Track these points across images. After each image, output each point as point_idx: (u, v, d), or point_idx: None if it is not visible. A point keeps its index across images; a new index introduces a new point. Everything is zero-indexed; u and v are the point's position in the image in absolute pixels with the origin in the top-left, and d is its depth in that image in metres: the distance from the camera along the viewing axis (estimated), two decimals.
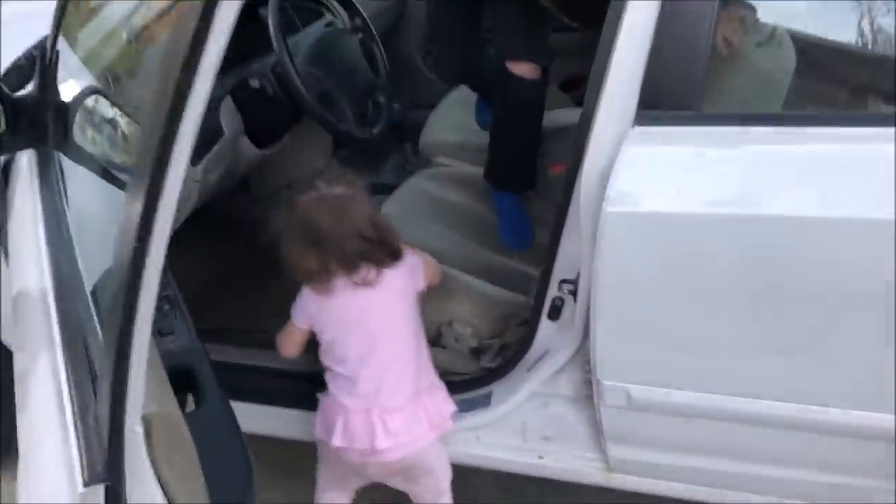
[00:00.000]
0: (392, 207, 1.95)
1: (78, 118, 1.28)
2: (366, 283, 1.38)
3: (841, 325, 1.19)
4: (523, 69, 1.85)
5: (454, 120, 2.32)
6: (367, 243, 1.35)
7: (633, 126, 1.23)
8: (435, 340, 1.69)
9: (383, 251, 1.38)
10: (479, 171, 2.09)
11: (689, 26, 1.20)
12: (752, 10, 1.38)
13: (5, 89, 1.33)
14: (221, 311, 1.81)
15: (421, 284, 1.50)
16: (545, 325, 1.50)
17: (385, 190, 2.06)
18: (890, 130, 1.12)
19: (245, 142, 1.82)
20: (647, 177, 1.21)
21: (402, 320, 1.46)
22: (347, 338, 1.43)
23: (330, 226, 1.33)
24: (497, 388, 1.59)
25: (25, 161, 1.43)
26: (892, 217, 1.08)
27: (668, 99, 1.23)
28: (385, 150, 2.34)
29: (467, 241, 1.94)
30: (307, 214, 1.34)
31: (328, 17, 1.96)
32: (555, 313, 1.48)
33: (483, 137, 2.11)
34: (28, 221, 1.27)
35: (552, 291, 1.46)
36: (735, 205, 1.17)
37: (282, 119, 1.82)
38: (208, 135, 1.63)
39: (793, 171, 1.18)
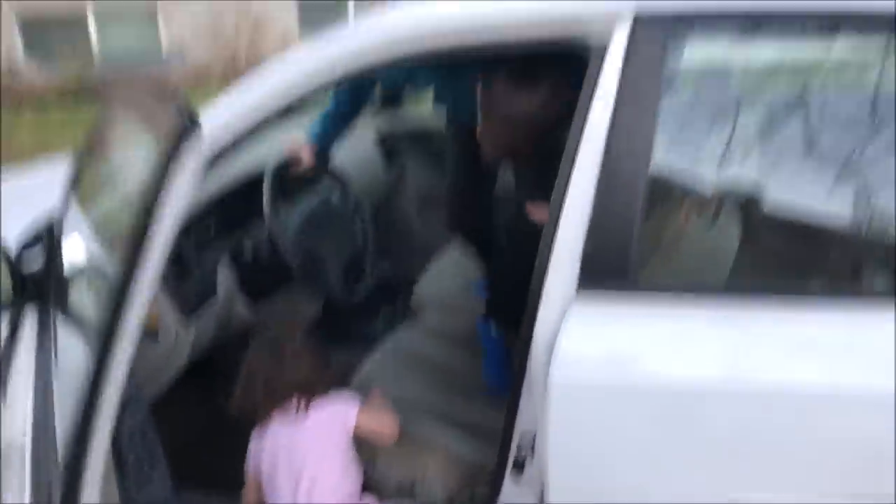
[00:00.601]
0: (377, 358, 2.06)
1: (78, 281, 1.46)
2: (295, 421, 1.51)
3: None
4: (542, 215, 2.02)
5: (444, 279, 2.49)
6: (298, 388, 1.49)
7: (575, 298, 1.36)
8: (409, 492, 1.76)
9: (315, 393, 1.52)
10: (462, 327, 2.21)
11: (623, 206, 1.35)
12: (699, 193, 1.54)
13: (18, 268, 1.51)
14: (211, 463, 1.89)
15: (349, 426, 1.58)
16: (509, 480, 1.57)
17: (374, 341, 2.18)
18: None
19: (240, 299, 1.97)
20: (585, 347, 1.33)
21: (327, 458, 1.55)
22: (277, 474, 1.53)
23: (268, 372, 1.48)
24: None
25: (28, 322, 1.60)
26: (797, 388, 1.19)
27: (605, 273, 1.36)
28: (377, 304, 2.49)
29: (445, 394, 2.03)
30: (252, 362, 1.50)
31: (324, 191, 2.15)
32: (518, 468, 1.56)
33: (468, 299, 2.27)
34: (22, 377, 1.41)
35: (514, 446, 1.54)
36: (655, 376, 1.29)
37: (274, 279, 1.97)
38: (203, 293, 1.78)
39: (714, 346, 1.29)
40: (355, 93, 2.22)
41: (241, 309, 1.95)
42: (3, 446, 1.24)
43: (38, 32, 9.12)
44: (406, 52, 1.48)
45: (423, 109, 3.15)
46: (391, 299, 2.49)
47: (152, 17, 9.79)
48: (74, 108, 7.94)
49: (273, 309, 2.07)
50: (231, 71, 9.09)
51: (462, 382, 2.06)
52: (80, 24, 9.34)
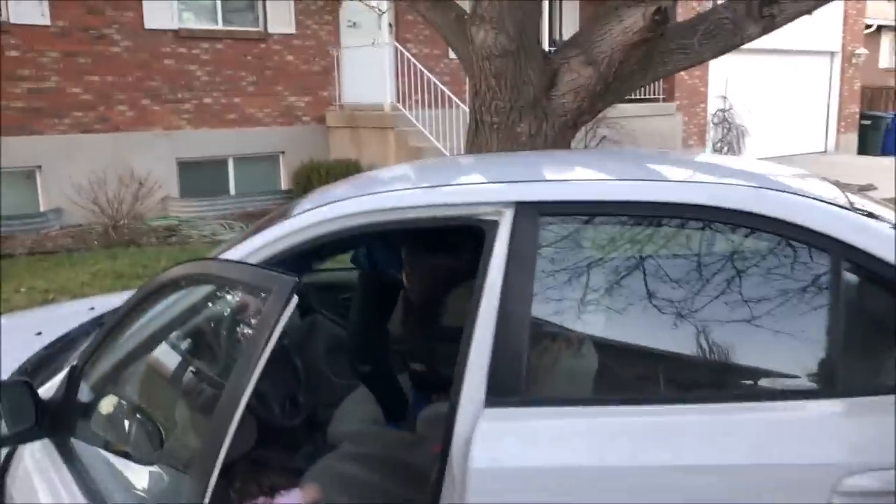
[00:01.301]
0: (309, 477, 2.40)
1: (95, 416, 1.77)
2: None
3: None
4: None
5: (355, 414, 2.88)
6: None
7: (484, 409, 1.81)
8: None
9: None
10: (376, 451, 2.60)
11: (515, 343, 1.84)
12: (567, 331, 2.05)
13: (38, 394, 1.81)
14: None
15: None
16: None
17: (299, 473, 2.51)
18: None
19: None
20: (499, 442, 1.77)
21: None
22: None
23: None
24: None
25: (29, 452, 1.87)
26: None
27: (505, 389, 1.82)
28: (299, 441, 2.81)
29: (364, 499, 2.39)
30: None
31: None
32: None
33: (377, 429, 2.68)
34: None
35: None
36: (549, 461, 1.74)
37: None
38: None
39: (586, 439, 1.77)
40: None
41: None
42: None
43: None
44: (361, 227, 1.98)
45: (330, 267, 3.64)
46: (311, 434, 2.83)
47: (30, 178, 9.92)
48: None
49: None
50: (112, 232, 9.28)
51: (381, 493, 2.42)
52: None
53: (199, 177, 11.14)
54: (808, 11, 4.19)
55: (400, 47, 11.20)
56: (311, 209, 2.05)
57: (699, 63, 4.23)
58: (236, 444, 2.45)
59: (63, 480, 1.76)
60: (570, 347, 2.01)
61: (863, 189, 12.23)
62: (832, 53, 18.07)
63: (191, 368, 1.85)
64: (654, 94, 14.44)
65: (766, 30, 4.11)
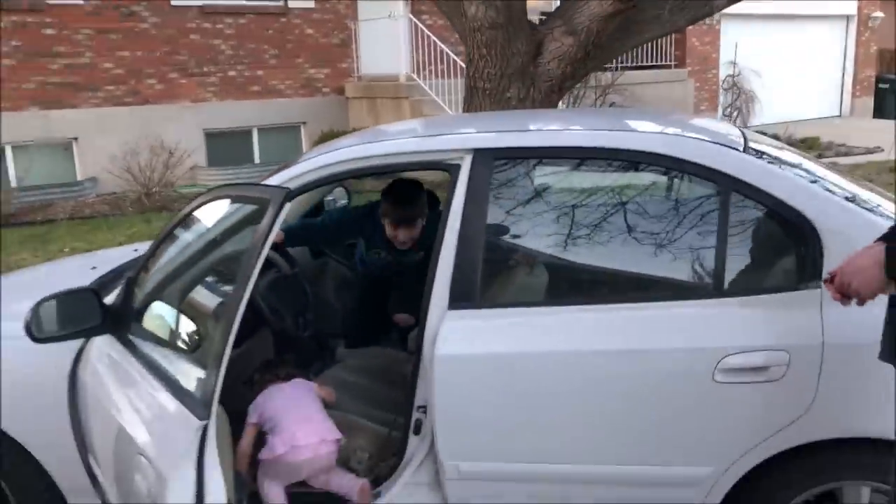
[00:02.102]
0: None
1: (146, 318, 2.33)
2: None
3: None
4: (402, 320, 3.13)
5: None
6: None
7: (447, 312, 2.31)
8: (346, 462, 2.60)
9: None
10: (375, 364, 3.13)
11: (471, 260, 2.33)
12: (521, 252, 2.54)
13: (102, 300, 2.35)
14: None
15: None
16: (412, 439, 2.45)
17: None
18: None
19: None
20: (457, 336, 2.27)
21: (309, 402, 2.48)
22: (280, 416, 2.43)
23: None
24: (385, 485, 2.50)
25: (98, 345, 2.42)
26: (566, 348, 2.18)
27: (463, 296, 2.32)
28: (310, 356, 3.34)
29: (366, 400, 2.91)
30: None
31: (281, 267, 3.10)
32: (417, 429, 2.44)
33: (377, 348, 3.24)
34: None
35: (415, 414, 2.43)
36: (496, 346, 2.25)
37: (244, 331, 2.84)
38: None
39: (532, 331, 2.27)
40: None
41: None
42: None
43: None
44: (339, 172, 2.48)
45: None
46: (321, 352, 3.37)
47: (68, 149, 10.55)
48: None
49: (240, 357, 2.92)
50: (145, 200, 9.88)
51: (374, 393, 2.95)
52: None
53: (226, 146, 11.70)
54: None
55: (415, 19, 11.60)
56: (324, 153, 2.55)
57: (673, 31, 4.65)
58: (257, 352, 3.00)
59: (126, 361, 2.30)
60: (515, 264, 2.51)
61: (869, 151, 12.52)
62: (848, 17, 18.15)
63: (213, 274, 2.37)
64: (666, 61, 14.74)
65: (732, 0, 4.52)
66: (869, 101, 18.76)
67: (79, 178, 10.54)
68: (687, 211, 2.33)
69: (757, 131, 11.14)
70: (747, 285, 2.28)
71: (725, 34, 15.28)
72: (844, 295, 1.81)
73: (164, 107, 11.07)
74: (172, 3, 10.94)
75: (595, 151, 2.39)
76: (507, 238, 2.47)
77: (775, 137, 12.95)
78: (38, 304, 2.27)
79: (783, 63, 15.91)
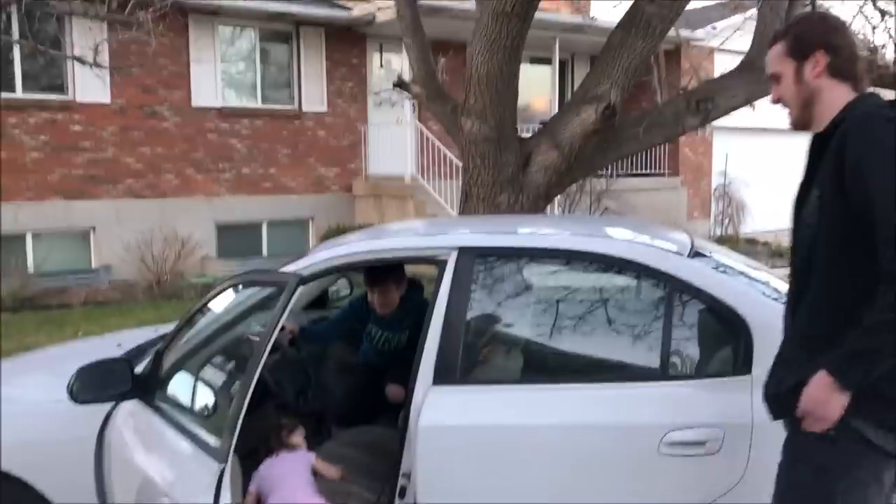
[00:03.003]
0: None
1: (169, 386, 2.69)
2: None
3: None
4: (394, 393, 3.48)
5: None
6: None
7: (431, 386, 2.67)
8: None
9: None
10: (369, 440, 3.45)
11: (454, 342, 2.70)
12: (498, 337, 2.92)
13: (133, 367, 2.72)
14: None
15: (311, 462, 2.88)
16: (397, 503, 2.76)
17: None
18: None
19: None
20: (438, 409, 2.62)
21: (302, 477, 2.80)
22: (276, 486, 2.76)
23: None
24: None
25: (125, 410, 2.77)
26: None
27: (446, 374, 2.68)
28: (309, 431, 3.66)
29: (357, 470, 3.21)
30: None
31: (285, 349, 3.48)
32: (402, 494, 2.75)
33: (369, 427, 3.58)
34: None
35: (400, 480, 2.75)
36: (472, 418, 2.59)
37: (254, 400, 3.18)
38: None
39: (507, 406, 2.62)
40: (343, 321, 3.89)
41: None
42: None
43: None
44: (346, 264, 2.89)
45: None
46: (319, 426, 3.69)
47: (85, 238, 11.05)
48: (14, 315, 8.90)
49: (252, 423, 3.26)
50: (156, 288, 10.30)
51: (367, 464, 3.26)
52: (18, 241, 10.47)
53: (236, 239, 12.22)
54: (740, 106, 5.12)
55: (421, 125, 12.31)
56: (334, 247, 2.97)
57: (649, 148, 5.14)
58: (262, 421, 3.34)
59: (149, 423, 2.65)
60: (493, 346, 2.88)
61: None
62: None
63: (234, 349, 2.75)
64: (660, 170, 15.41)
65: (704, 121, 5.04)
66: None
67: (94, 265, 11.01)
68: (640, 306, 2.72)
69: (747, 239, 11.55)
70: (689, 371, 2.64)
71: (717, 145, 16.01)
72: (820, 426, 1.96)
73: (180, 200, 11.64)
74: (193, 104, 11.67)
75: (562, 253, 2.81)
76: (486, 324, 2.85)
77: (765, 245, 13.55)
78: (81, 370, 2.64)
79: (773, 174, 16.58)
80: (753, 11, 5.42)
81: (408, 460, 2.72)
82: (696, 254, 2.83)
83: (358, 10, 12.31)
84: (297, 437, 3.07)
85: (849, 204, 1.89)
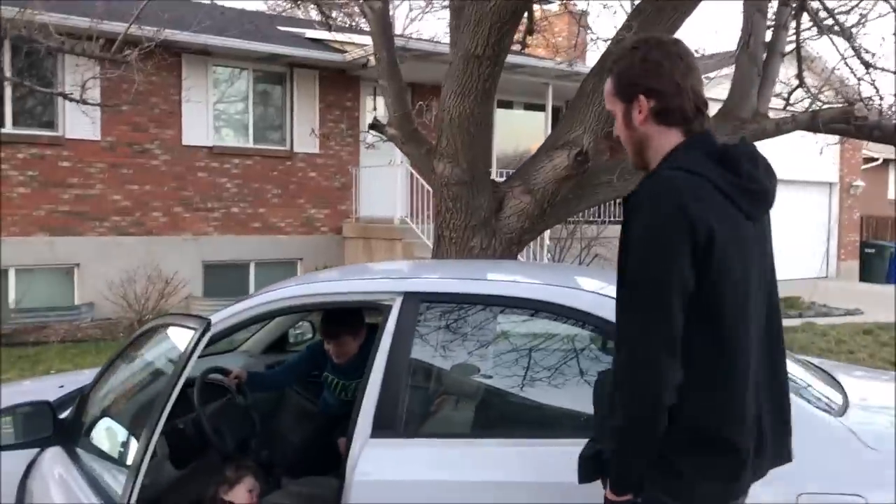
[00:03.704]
0: None
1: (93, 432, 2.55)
2: None
3: None
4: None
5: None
6: None
7: (369, 439, 2.53)
8: None
9: None
10: (313, 492, 3.30)
11: (394, 392, 2.58)
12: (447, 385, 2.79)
13: (56, 415, 2.59)
14: None
15: None
16: None
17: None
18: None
19: (167, 465, 3.01)
20: (375, 465, 2.48)
21: None
22: None
23: None
24: None
25: (47, 457, 2.63)
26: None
27: (385, 425, 2.55)
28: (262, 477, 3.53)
29: None
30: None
31: (231, 396, 3.34)
32: None
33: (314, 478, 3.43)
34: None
35: None
36: (406, 475, 2.45)
37: (194, 450, 3.04)
38: None
39: (433, 463, 2.48)
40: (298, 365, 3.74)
41: (169, 470, 2.99)
42: None
43: None
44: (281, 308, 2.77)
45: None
46: (266, 475, 3.54)
47: (69, 274, 10.95)
48: None
49: (191, 474, 3.11)
50: (137, 325, 10.16)
51: None
52: (0, 276, 10.38)
53: (222, 278, 12.11)
54: None
55: (411, 168, 12.27)
56: (269, 291, 2.85)
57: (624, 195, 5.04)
58: (202, 472, 3.20)
59: (70, 476, 2.51)
60: (437, 397, 2.75)
61: (849, 312, 12.82)
62: (830, 184, 18.97)
63: (147, 395, 2.62)
64: None
65: None
66: (853, 265, 19.27)
67: (76, 302, 10.88)
68: (586, 353, 2.60)
69: None
70: None
71: None
72: None
73: (167, 238, 11.56)
74: (184, 142, 11.66)
75: (510, 300, 2.69)
76: (430, 374, 2.72)
77: None
78: None
79: (773, 225, 16.51)
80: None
81: None
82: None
83: (352, 54, 12.37)
84: (240, 493, 2.92)
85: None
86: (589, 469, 1.94)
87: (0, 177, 10.30)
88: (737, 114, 5.01)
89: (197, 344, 2.28)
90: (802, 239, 18.08)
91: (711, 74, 9.83)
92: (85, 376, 3.69)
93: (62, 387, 3.35)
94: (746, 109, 5.03)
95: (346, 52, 12.50)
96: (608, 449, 1.85)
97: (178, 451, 3.02)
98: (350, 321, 3.49)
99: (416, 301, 2.69)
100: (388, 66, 5.43)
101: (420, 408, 2.71)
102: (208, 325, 2.33)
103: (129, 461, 2.42)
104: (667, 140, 1.88)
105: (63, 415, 2.77)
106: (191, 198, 11.81)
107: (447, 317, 2.75)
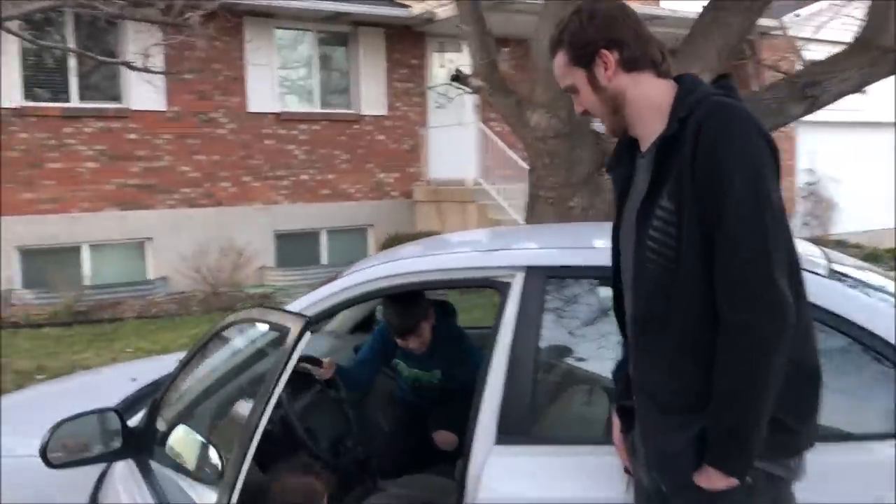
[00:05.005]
0: None
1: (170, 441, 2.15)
2: None
3: None
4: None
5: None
6: None
7: (493, 446, 2.08)
8: None
9: None
10: (421, 495, 2.88)
11: (523, 387, 2.11)
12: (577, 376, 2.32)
13: (126, 422, 2.20)
14: None
15: None
16: None
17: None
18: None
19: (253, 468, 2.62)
20: (503, 480, 2.03)
21: None
22: None
23: None
24: None
25: (119, 469, 2.25)
26: None
27: (512, 429, 2.09)
28: (352, 481, 3.12)
29: None
30: None
31: (322, 388, 2.94)
32: None
33: (423, 476, 2.99)
34: None
35: None
36: (549, 491, 1.99)
37: (281, 452, 2.65)
38: None
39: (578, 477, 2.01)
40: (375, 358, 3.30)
41: (254, 474, 2.60)
42: None
43: (34, 261, 10.02)
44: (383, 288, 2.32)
45: None
46: (363, 476, 3.14)
47: (140, 248, 10.82)
48: (67, 329, 8.66)
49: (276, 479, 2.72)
50: (212, 299, 9.97)
51: None
52: (73, 252, 10.29)
53: (294, 247, 11.84)
54: (852, 91, 4.38)
55: (484, 126, 11.73)
56: (374, 265, 2.41)
57: None
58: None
59: (142, 495, 2.13)
60: (572, 394, 2.27)
61: None
62: None
63: (237, 401, 2.21)
64: None
65: (809, 109, 4.32)
66: None
67: (150, 277, 10.76)
68: None
69: (836, 240, 10.69)
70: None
71: (802, 142, 14.99)
72: None
73: (237, 209, 11.32)
74: (249, 109, 11.34)
75: None
76: (562, 365, 2.24)
77: (856, 247, 12.49)
78: (56, 427, 2.13)
79: (862, 171, 15.44)
80: None
81: None
82: (832, 272, 2.18)
83: (417, 8, 11.81)
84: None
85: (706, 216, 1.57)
86: (700, 453, 1.60)
87: (69, 151, 10.16)
88: (877, 42, 4.33)
89: (296, 346, 1.85)
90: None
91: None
92: (160, 364, 3.35)
93: (135, 380, 2.99)
94: (887, 37, 4.34)
95: (409, 6, 11.96)
96: (715, 424, 1.57)
97: (262, 453, 2.62)
98: (420, 305, 3.06)
99: (541, 277, 2.20)
100: (470, 9, 4.89)
101: (556, 409, 2.24)
102: (307, 325, 1.89)
103: (219, 476, 2.02)
104: (648, 86, 1.73)
105: (135, 416, 2.40)
106: (259, 166, 11.52)
107: (580, 295, 2.26)
